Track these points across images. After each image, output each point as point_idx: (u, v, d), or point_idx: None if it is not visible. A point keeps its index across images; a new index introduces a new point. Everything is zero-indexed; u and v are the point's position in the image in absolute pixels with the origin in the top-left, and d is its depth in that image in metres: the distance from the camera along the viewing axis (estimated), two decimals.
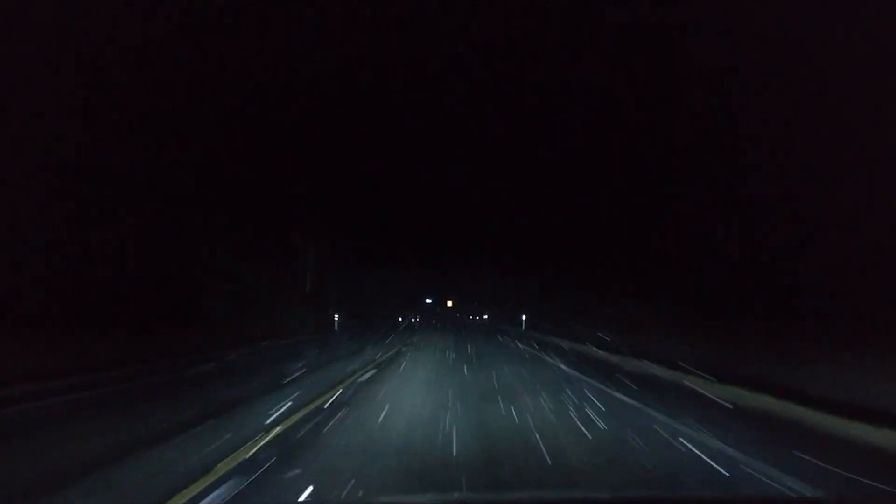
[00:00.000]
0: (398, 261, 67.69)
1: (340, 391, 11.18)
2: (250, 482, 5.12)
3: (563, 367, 17.03)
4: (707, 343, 14.02)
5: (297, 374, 13.85)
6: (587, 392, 11.55)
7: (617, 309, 22.04)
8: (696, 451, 6.63)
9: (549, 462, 6.14)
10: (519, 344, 27.75)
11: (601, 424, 8.32)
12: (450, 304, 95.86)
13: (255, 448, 6.40)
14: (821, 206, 12.23)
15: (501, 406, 9.76)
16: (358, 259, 47.20)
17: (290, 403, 9.42)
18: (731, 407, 9.78)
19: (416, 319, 73.62)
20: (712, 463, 6.12)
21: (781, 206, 13.09)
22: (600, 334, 21.04)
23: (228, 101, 19.50)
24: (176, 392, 11.08)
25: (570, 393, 11.43)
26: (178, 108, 17.06)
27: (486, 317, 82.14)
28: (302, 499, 4.64)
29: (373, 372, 15.07)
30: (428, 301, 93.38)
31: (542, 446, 6.84)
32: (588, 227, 27.67)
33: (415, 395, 10.97)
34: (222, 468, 5.55)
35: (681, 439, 7.24)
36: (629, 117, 21.13)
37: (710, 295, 15.25)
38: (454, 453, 6.52)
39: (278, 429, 7.48)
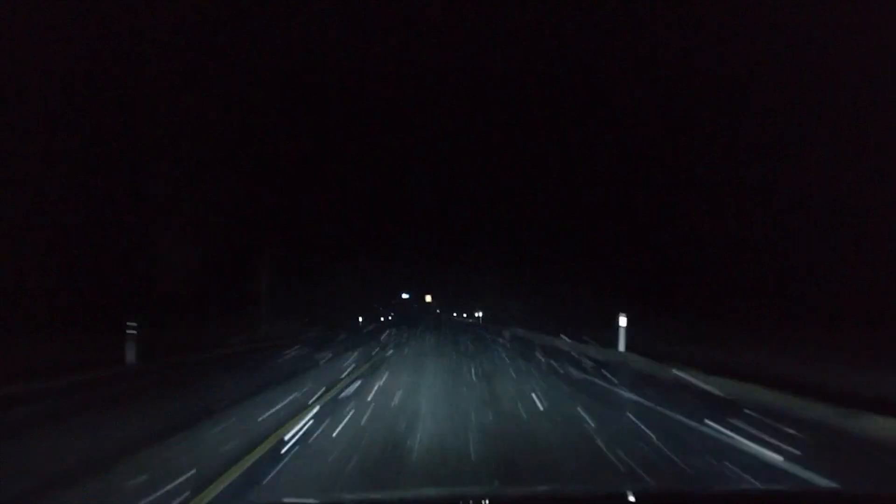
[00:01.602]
0: (372, 252, 59.31)
1: None
2: None
3: None
4: None
5: None
6: None
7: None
8: None
9: None
10: None
11: None
12: (429, 299, 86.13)
13: None
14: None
15: None
16: (321, 252, 40.29)
17: None
18: None
19: (389, 318, 61.72)
20: None
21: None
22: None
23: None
24: None
25: None
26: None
27: (477, 315, 65.13)
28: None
29: None
30: (404, 296, 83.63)
31: None
32: (596, 221, 26.21)
33: None
34: None
35: None
36: (610, 104, 20.66)
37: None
38: None
39: None
